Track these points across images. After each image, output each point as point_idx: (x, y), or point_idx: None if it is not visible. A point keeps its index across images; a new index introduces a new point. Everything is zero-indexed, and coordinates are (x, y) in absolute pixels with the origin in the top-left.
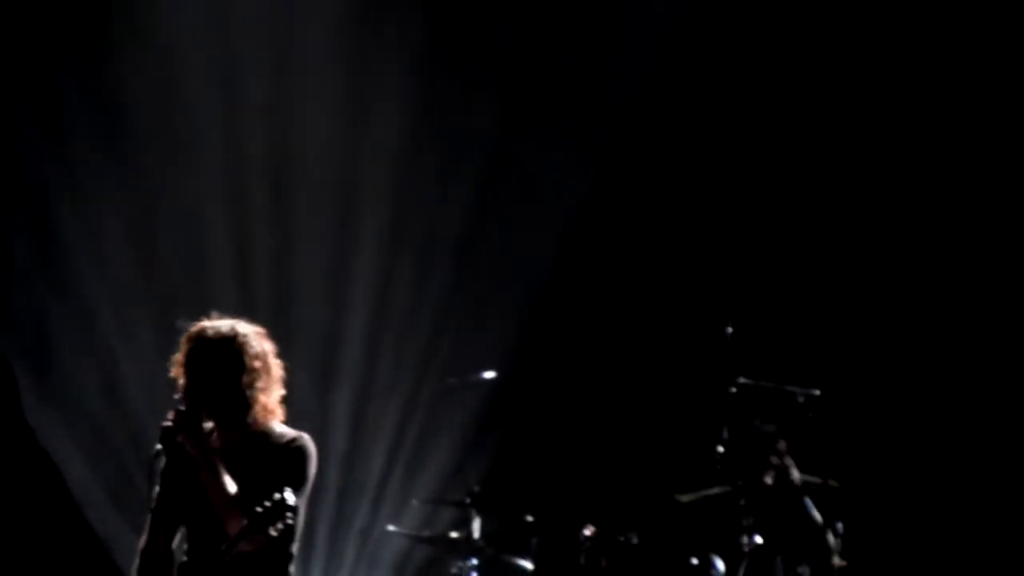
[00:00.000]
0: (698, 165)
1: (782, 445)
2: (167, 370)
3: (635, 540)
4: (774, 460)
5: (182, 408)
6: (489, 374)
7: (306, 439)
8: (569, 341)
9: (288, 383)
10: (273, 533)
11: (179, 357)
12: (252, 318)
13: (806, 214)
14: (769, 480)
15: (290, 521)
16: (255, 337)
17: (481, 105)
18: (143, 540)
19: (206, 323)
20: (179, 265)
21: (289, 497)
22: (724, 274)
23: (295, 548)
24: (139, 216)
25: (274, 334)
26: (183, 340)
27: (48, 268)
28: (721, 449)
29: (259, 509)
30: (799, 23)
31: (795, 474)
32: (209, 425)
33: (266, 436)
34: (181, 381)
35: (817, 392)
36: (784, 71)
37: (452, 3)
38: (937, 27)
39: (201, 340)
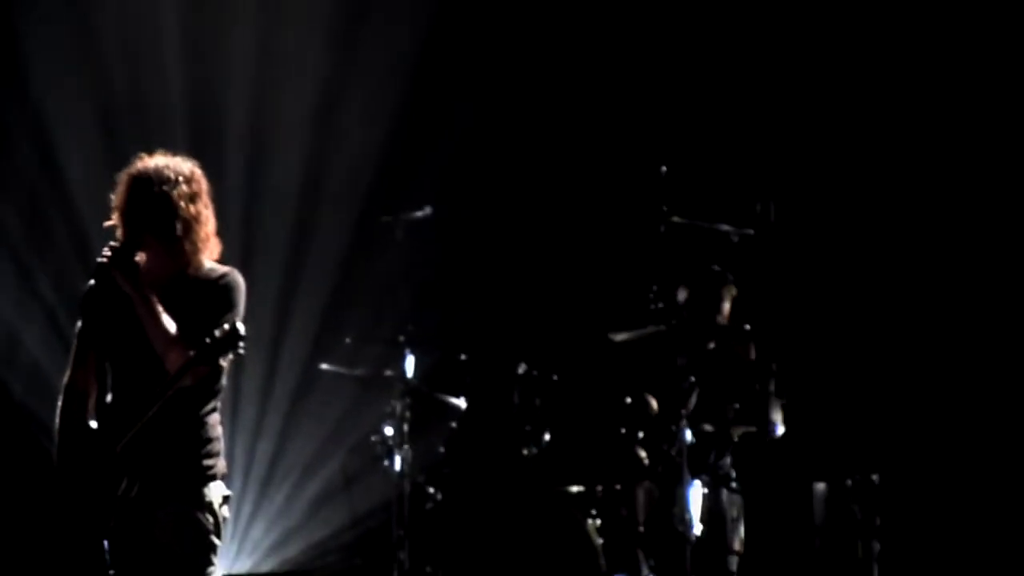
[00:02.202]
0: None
1: (733, 291)
2: (95, 205)
3: (568, 378)
4: (725, 300)
5: (116, 244)
6: (423, 211)
7: (235, 274)
8: (503, 178)
9: (221, 219)
10: (224, 363)
11: (115, 198)
12: (189, 153)
13: (745, 51)
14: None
15: (242, 350)
16: (190, 176)
17: None
18: (66, 376)
19: (141, 163)
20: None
21: (240, 326)
22: (659, 112)
23: (223, 383)
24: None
25: (206, 167)
26: (119, 180)
27: None
28: (655, 288)
29: (208, 339)
30: None
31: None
32: (141, 260)
33: (197, 272)
34: (117, 221)
35: (751, 232)
36: None
37: None
38: None
39: (136, 181)
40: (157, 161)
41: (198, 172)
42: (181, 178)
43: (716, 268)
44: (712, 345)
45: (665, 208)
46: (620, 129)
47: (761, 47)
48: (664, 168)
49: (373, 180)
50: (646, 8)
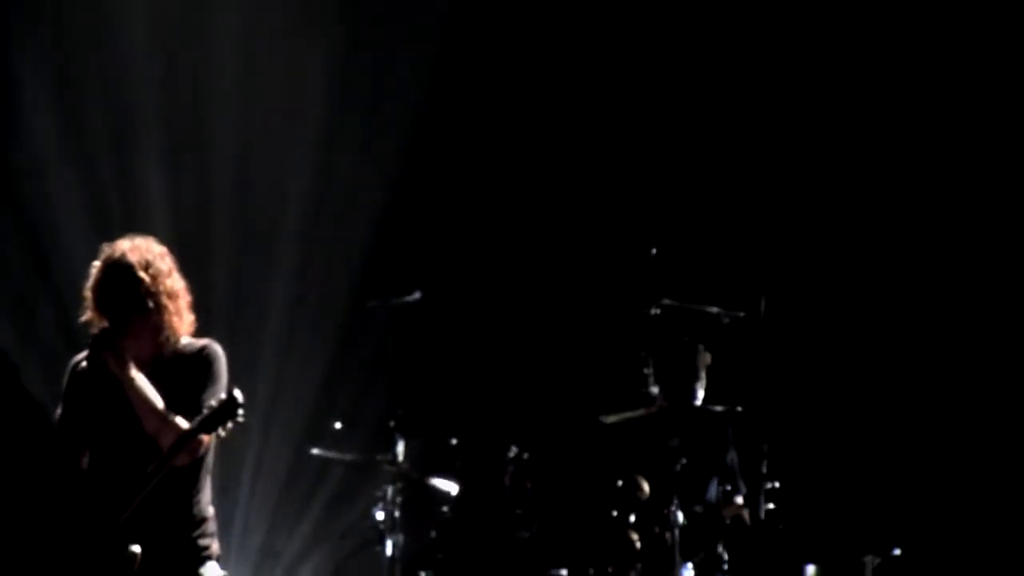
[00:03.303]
0: (626, 81)
1: (707, 359)
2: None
3: (559, 461)
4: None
5: (104, 327)
6: (413, 296)
7: (214, 345)
8: (493, 260)
9: (207, 304)
10: (222, 433)
11: (90, 284)
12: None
13: (734, 129)
14: (700, 396)
15: (241, 418)
16: (160, 253)
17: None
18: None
19: (109, 249)
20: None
21: (237, 393)
22: (651, 193)
23: (210, 463)
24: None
25: (193, 252)
26: (94, 267)
27: None
28: (646, 370)
29: (207, 409)
30: None
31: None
32: (125, 344)
33: (177, 348)
34: (94, 311)
35: (742, 314)
36: None
37: None
38: None
39: (110, 267)
40: (124, 245)
41: (160, 249)
42: (153, 257)
43: (687, 340)
44: (688, 424)
45: (656, 290)
46: (611, 211)
47: (753, 129)
48: (655, 250)
49: (362, 264)
50: (641, 88)
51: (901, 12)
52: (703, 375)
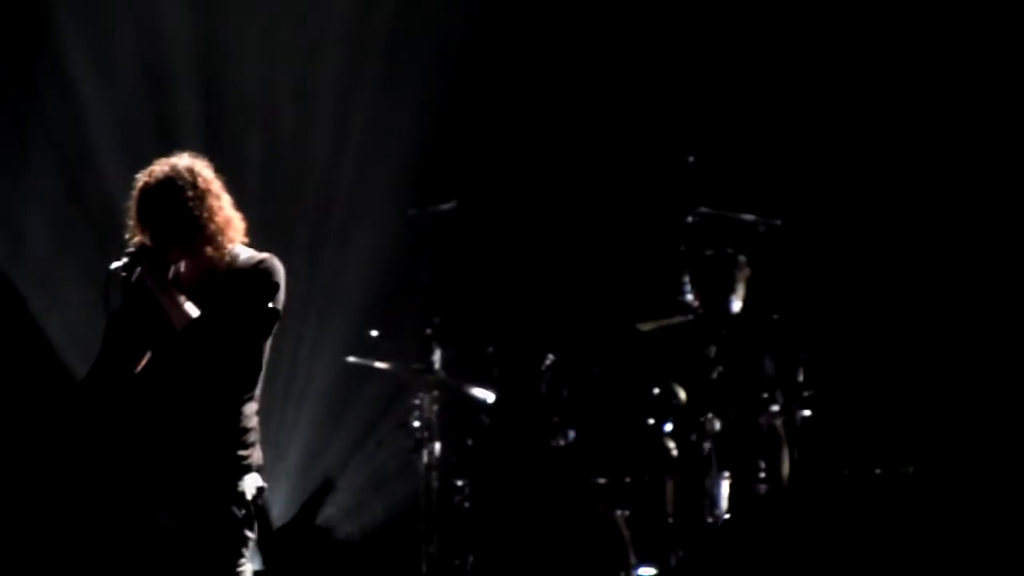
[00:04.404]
0: None
1: (747, 272)
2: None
3: (596, 369)
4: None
5: (144, 244)
6: (449, 204)
7: (272, 259)
8: (529, 170)
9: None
10: (248, 340)
11: (130, 209)
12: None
13: (773, 39)
14: (738, 307)
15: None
16: (193, 176)
17: None
18: (96, 362)
19: (144, 176)
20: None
21: (271, 304)
22: (687, 102)
23: (261, 373)
24: None
25: (226, 163)
26: (132, 191)
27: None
28: (683, 278)
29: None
30: None
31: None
32: (173, 269)
33: (232, 263)
34: (137, 231)
35: (779, 222)
36: None
37: None
38: None
39: (143, 196)
40: (157, 170)
41: (199, 166)
42: (185, 181)
43: (729, 251)
44: (725, 332)
45: (693, 198)
46: (648, 119)
47: (786, 41)
48: (692, 158)
49: (398, 174)
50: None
51: None
52: (741, 288)
